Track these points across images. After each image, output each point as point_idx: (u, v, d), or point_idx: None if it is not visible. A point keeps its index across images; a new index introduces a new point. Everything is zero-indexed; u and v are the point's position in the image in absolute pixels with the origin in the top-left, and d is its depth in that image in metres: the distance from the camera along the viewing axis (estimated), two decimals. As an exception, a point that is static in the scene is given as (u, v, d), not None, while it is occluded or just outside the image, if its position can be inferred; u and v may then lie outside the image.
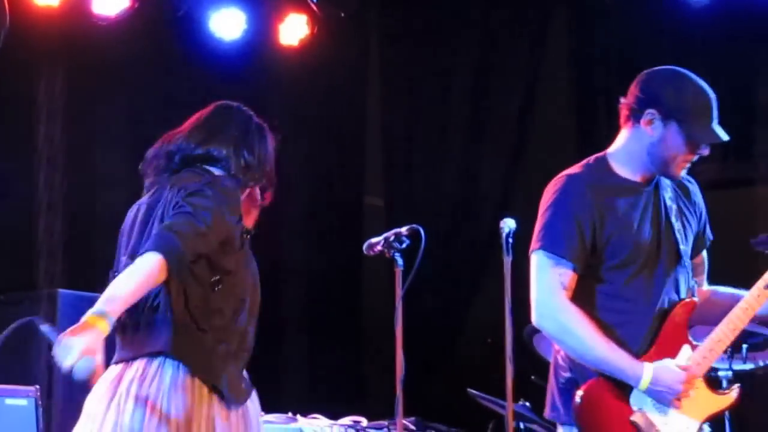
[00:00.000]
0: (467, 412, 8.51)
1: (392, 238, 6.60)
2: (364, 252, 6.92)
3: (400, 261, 6.59)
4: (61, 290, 8.35)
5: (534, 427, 8.04)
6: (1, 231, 8.81)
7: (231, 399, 5.50)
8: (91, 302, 8.15)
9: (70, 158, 8.97)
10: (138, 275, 5.22)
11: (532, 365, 7.64)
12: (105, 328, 5.08)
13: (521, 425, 7.96)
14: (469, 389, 8.12)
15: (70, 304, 8.32)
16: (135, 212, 5.87)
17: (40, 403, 7.46)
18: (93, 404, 5.40)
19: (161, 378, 5.43)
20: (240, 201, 5.74)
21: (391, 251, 6.29)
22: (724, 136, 5.80)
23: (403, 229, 6.78)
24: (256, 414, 5.78)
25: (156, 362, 5.45)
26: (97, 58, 8.85)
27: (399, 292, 6.44)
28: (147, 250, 5.16)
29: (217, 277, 5.53)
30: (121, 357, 5.52)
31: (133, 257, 5.47)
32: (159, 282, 5.32)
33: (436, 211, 9.36)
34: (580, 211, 5.69)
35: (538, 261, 5.78)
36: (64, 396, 8.07)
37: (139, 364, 5.45)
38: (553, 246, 5.73)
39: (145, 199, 5.86)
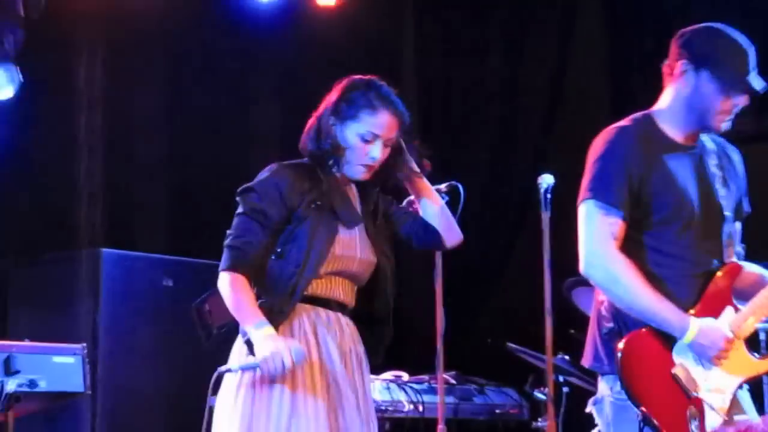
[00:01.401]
0: (506, 365, 8.53)
1: (432, 195, 6.57)
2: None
3: (439, 217, 6.52)
4: (104, 249, 8.41)
5: (572, 379, 8.04)
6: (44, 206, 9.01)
7: None
8: (132, 261, 8.32)
9: (112, 141, 9.11)
10: None
11: (571, 319, 7.70)
12: (269, 329, 5.49)
13: (560, 378, 7.98)
14: (508, 343, 8.13)
15: (113, 263, 8.43)
16: None
17: (86, 359, 7.56)
18: None
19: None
20: None
21: None
22: (761, 84, 5.78)
23: (443, 186, 6.79)
24: None
25: None
26: (136, 32, 8.93)
27: (437, 248, 6.51)
28: None
29: None
30: None
31: None
32: None
33: (473, 167, 9.38)
34: (630, 161, 5.75)
35: (587, 210, 5.82)
36: (108, 353, 8.20)
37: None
38: (604, 195, 5.78)
39: None
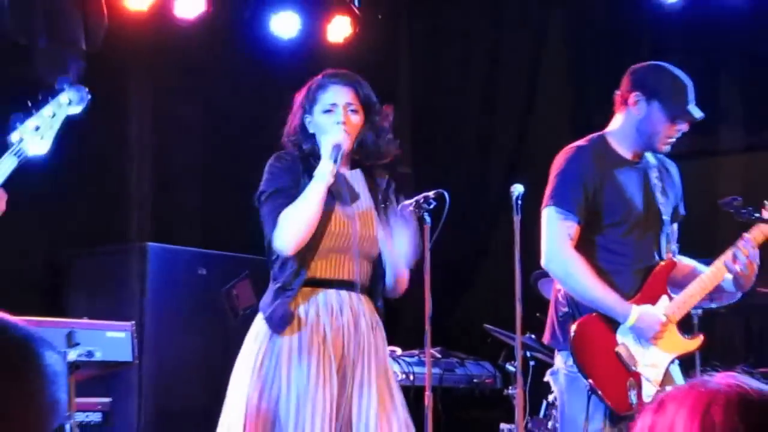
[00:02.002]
0: (482, 343, 8.69)
1: (422, 200, 6.62)
2: (399, 211, 6.86)
3: (428, 219, 6.47)
4: (150, 243, 8.45)
5: (538, 355, 8.10)
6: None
7: None
8: (173, 253, 8.35)
9: (157, 151, 9.09)
10: None
11: (537, 305, 7.76)
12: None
13: (528, 354, 8.06)
14: (485, 325, 8.30)
15: (157, 255, 8.46)
16: None
17: (134, 335, 7.63)
18: None
19: None
20: None
21: (421, 211, 6.12)
22: (699, 114, 5.98)
23: (431, 193, 6.84)
24: None
25: None
26: (178, 59, 8.86)
27: (427, 245, 6.55)
28: None
29: None
30: None
31: None
32: None
33: (456, 176, 9.41)
34: (586, 175, 5.95)
35: (548, 215, 6.01)
36: (152, 329, 8.28)
37: None
38: (562, 203, 5.94)
39: None
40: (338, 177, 5.66)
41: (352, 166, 5.83)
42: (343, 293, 5.65)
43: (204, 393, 8.21)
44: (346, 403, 5.54)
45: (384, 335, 5.80)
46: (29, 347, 2.06)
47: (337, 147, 5.47)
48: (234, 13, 8.89)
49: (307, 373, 5.44)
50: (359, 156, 5.80)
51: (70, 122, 8.18)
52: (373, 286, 5.81)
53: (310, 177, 5.59)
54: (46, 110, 5.38)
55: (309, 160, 5.69)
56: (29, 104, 5.39)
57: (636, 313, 5.91)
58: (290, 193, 5.57)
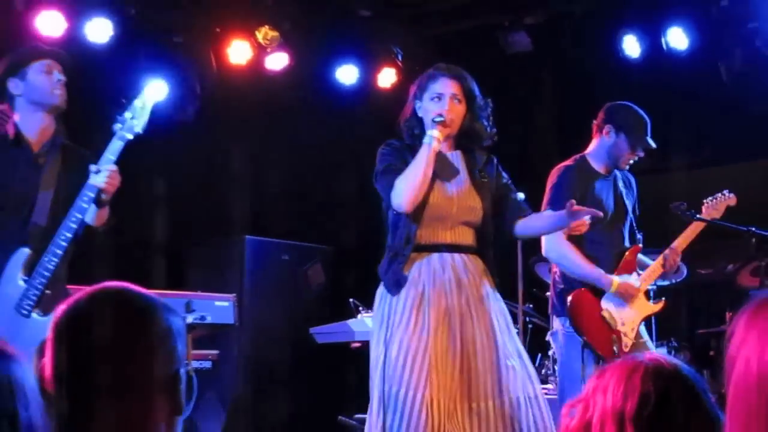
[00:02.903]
0: None
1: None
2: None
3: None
4: (247, 236, 8.51)
5: (534, 320, 8.10)
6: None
7: None
8: (264, 243, 8.42)
9: (253, 171, 9.12)
10: None
11: (534, 283, 7.84)
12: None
13: (527, 319, 7.96)
14: None
15: (252, 245, 8.53)
16: None
17: (235, 304, 7.76)
18: None
19: None
20: None
21: None
22: (653, 145, 6.20)
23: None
24: None
25: None
26: (268, 99, 8.78)
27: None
28: None
29: None
30: None
31: None
32: None
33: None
34: (573, 187, 6.08)
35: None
36: (248, 301, 8.29)
37: None
38: (556, 208, 5.80)
39: None
40: (440, 156, 5.21)
41: (455, 149, 5.35)
42: (446, 255, 5.20)
43: (287, 347, 8.39)
44: (459, 348, 5.10)
45: (493, 288, 5.31)
46: (153, 310, 2.08)
47: (439, 120, 5.05)
48: (309, 66, 8.77)
49: (414, 327, 5.05)
50: (462, 140, 5.34)
51: (192, 147, 8.36)
52: (481, 247, 5.32)
53: (414, 155, 5.19)
54: (137, 102, 5.43)
55: (416, 146, 5.24)
56: (123, 101, 5.47)
57: (617, 282, 6.07)
58: (401, 168, 5.15)
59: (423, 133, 5.19)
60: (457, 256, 5.20)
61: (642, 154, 6.25)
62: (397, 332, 5.09)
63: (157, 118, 7.36)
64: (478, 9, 8.76)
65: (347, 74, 8.88)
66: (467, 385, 5.07)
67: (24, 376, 2.36)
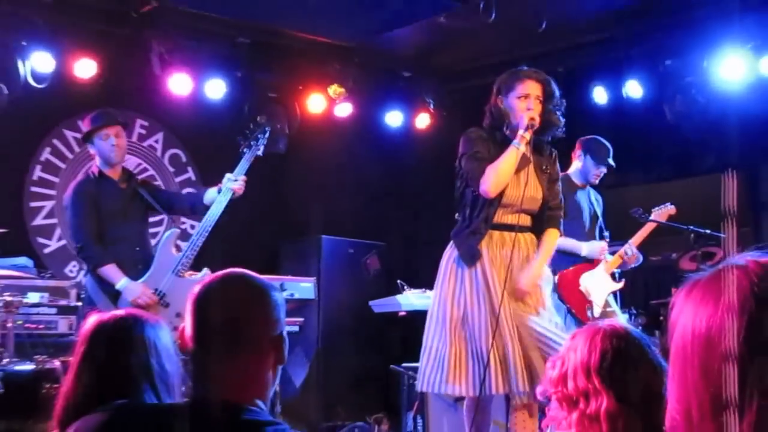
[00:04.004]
0: None
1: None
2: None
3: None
4: (323, 236, 8.46)
5: None
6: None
7: None
8: (334, 241, 8.40)
9: (328, 190, 9.04)
10: None
11: None
12: None
13: None
14: None
15: (326, 243, 8.48)
16: None
17: (315, 284, 7.80)
18: None
19: None
20: None
21: None
22: (613, 163, 6.23)
23: None
24: None
25: None
26: (338, 137, 8.76)
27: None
28: None
29: None
30: None
31: None
32: None
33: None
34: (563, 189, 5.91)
35: None
36: (324, 283, 8.20)
37: None
38: None
39: None
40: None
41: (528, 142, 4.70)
42: (506, 234, 4.70)
43: (352, 315, 8.34)
44: (514, 306, 4.65)
45: (536, 264, 4.75)
46: (266, 288, 2.08)
47: (531, 125, 4.59)
48: (366, 112, 8.75)
49: (493, 298, 4.58)
50: (536, 131, 4.72)
51: (283, 170, 8.40)
52: (534, 228, 4.85)
53: (494, 143, 4.75)
54: (259, 135, 5.83)
55: (495, 133, 4.80)
56: (247, 134, 5.85)
57: (585, 246, 6.11)
58: (485, 156, 4.68)
59: (503, 124, 4.75)
60: (521, 236, 4.73)
61: (605, 170, 6.27)
62: (462, 293, 4.68)
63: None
64: (485, 70, 8.73)
65: (394, 118, 8.86)
66: (518, 339, 4.58)
67: (156, 336, 2.44)
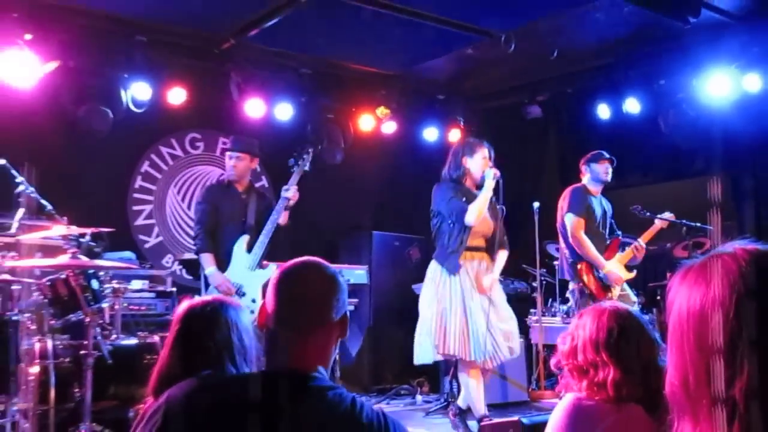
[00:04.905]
0: (524, 272, 8.27)
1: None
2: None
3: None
4: (374, 231, 8.44)
5: (546, 279, 7.87)
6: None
7: None
8: (382, 236, 8.38)
9: (376, 195, 8.90)
10: None
11: (545, 255, 7.75)
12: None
13: (542, 278, 7.73)
14: (523, 264, 8.00)
15: (377, 237, 8.42)
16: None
17: (368, 271, 7.78)
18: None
19: None
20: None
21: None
22: (612, 157, 6.21)
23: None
24: None
25: None
26: (385, 152, 8.70)
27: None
28: None
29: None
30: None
31: None
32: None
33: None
34: (583, 199, 5.98)
35: (570, 217, 6.00)
36: (374, 269, 8.14)
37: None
38: (575, 211, 5.94)
39: None
40: (472, 194, 5.50)
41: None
42: (477, 253, 5.55)
43: (398, 297, 8.26)
44: (487, 306, 5.41)
45: (495, 271, 5.58)
46: (335, 274, 2.01)
47: (497, 177, 5.38)
48: (408, 129, 8.68)
49: (465, 296, 5.39)
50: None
51: (340, 179, 8.38)
52: (490, 248, 5.60)
53: (460, 192, 5.48)
54: (305, 154, 5.91)
55: (459, 182, 5.55)
56: (295, 154, 5.94)
57: (607, 267, 6.00)
58: (460, 199, 5.45)
59: (464, 175, 5.52)
60: (482, 253, 5.54)
61: (609, 166, 6.23)
62: (451, 300, 5.37)
63: (321, 162, 7.47)
64: (507, 92, 8.79)
65: (430, 134, 8.80)
66: (489, 324, 5.37)
67: (237, 317, 2.45)
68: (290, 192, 5.79)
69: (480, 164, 5.51)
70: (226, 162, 6.01)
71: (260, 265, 5.71)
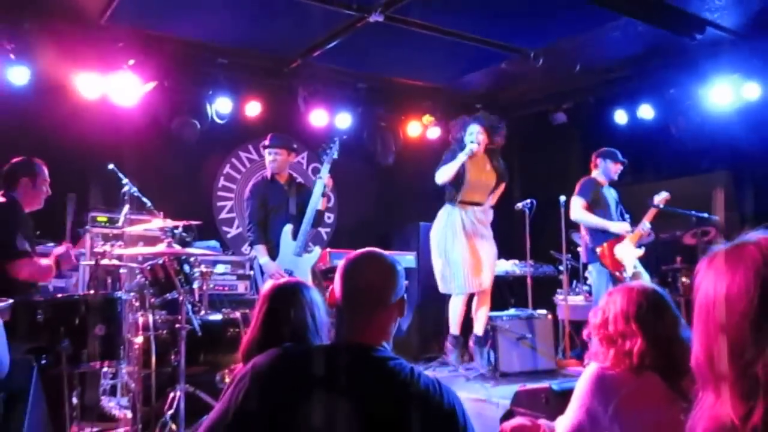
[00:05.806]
0: (550, 257, 8.13)
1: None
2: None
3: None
4: (420, 222, 8.22)
5: (571, 262, 7.67)
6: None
7: None
8: (431, 227, 8.22)
9: (416, 195, 8.83)
10: None
11: (570, 242, 7.63)
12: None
13: (567, 262, 7.47)
14: (551, 251, 7.82)
15: (421, 227, 8.17)
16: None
17: (416, 257, 7.75)
18: None
19: None
20: None
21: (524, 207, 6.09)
22: (621, 158, 6.13)
23: (520, 204, 6.82)
24: None
25: None
26: (431, 152, 8.36)
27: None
28: None
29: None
30: None
31: None
32: None
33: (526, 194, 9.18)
34: (593, 188, 5.84)
35: (575, 199, 5.95)
36: (422, 256, 7.95)
37: None
38: (582, 195, 5.88)
39: None
40: (471, 159, 5.67)
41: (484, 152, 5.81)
42: (476, 207, 5.76)
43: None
44: (479, 250, 5.64)
45: (489, 225, 5.78)
46: (394, 261, 1.99)
47: (470, 151, 5.58)
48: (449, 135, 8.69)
49: (468, 240, 5.68)
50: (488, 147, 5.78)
51: (390, 179, 8.33)
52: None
53: (454, 155, 5.69)
54: (334, 147, 5.71)
55: (456, 151, 5.73)
56: (323, 146, 5.72)
57: (616, 225, 5.92)
58: (447, 161, 5.78)
59: (463, 145, 5.67)
60: (478, 207, 5.74)
61: (621, 166, 6.15)
62: (455, 242, 5.68)
63: (375, 163, 7.42)
64: (537, 102, 8.73)
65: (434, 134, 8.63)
66: (481, 266, 5.63)
67: (312, 296, 2.43)
68: (324, 179, 5.63)
69: (465, 138, 5.75)
70: (266, 158, 5.73)
71: (306, 250, 5.60)
